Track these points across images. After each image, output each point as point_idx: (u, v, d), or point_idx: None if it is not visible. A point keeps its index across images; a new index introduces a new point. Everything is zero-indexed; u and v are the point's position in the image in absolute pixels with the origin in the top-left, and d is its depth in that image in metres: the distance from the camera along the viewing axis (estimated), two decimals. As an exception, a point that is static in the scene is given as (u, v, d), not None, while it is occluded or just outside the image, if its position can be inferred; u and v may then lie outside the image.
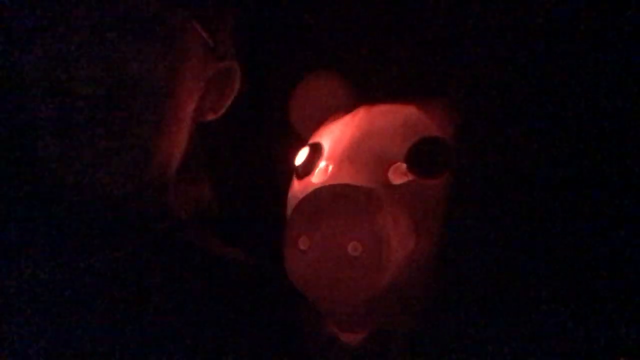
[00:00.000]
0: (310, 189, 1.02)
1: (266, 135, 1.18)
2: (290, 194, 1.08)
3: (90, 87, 0.68)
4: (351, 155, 1.02)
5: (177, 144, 0.78)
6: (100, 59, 0.69)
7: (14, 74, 0.71)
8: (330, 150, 1.05)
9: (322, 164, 1.04)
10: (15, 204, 0.72)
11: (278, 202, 1.08)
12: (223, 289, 0.74)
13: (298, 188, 1.06)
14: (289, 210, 1.07)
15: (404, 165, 0.99)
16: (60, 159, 0.70)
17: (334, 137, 1.06)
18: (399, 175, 0.99)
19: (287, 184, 1.09)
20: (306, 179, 1.05)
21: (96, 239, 0.71)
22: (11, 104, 0.72)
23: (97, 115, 0.69)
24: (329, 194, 1.00)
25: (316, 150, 1.06)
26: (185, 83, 0.75)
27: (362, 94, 1.09)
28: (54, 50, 0.69)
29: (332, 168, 1.03)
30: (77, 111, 0.68)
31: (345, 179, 1.01)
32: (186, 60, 0.75)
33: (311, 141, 1.08)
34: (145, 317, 0.68)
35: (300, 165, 1.06)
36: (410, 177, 0.99)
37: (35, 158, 0.71)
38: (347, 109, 1.08)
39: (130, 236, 0.72)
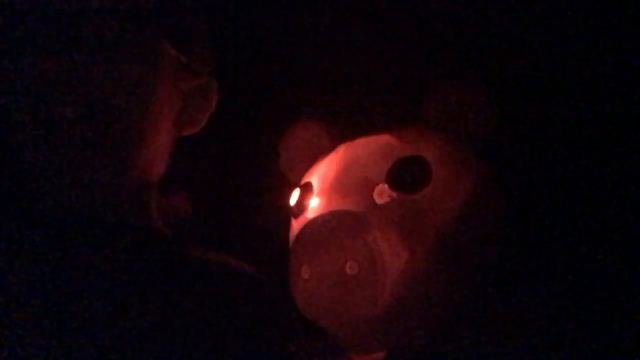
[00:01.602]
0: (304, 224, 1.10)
1: (261, 179, 1.27)
2: (290, 235, 1.16)
3: (69, 109, 0.73)
4: (337, 186, 1.10)
5: (157, 157, 0.81)
6: (75, 82, 0.73)
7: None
8: (319, 186, 1.13)
9: (314, 200, 1.12)
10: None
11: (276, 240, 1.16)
12: (219, 298, 0.78)
13: (295, 226, 1.14)
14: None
15: (386, 185, 1.07)
16: (44, 172, 0.75)
17: (320, 174, 1.14)
18: (382, 195, 1.07)
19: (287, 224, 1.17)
20: (301, 217, 1.13)
21: (78, 248, 0.75)
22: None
23: (77, 131, 0.74)
24: (320, 223, 1.08)
25: (307, 189, 1.14)
26: (160, 99, 0.79)
27: (341, 134, 1.18)
28: (32, 76, 0.73)
29: (323, 201, 1.11)
30: (58, 129, 0.73)
31: (335, 207, 1.08)
32: (159, 78, 0.78)
33: (302, 182, 1.17)
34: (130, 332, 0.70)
35: (294, 206, 1.14)
36: (393, 195, 1.06)
37: (17, 169, 0.76)
38: (329, 149, 1.17)
39: (113, 244, 0.76)
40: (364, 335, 1.07)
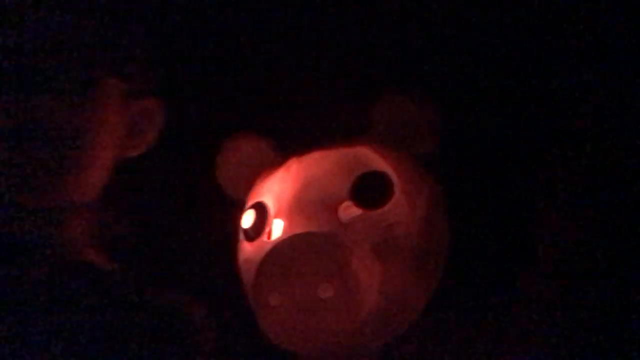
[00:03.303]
0: (266, 248, 1.05)
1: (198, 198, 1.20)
2: (242, 258, 1.10)
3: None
4: (299, 206, 1.06)
5: (94, 178, 0.81)
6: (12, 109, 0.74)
7: None
8: (276, 206, 1.08)
9: (273, 221, 1.07)
10: None
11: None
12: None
13: (251, 250, 1.08)
14: (245, 274, 1.09)
15: (351, 203, 1.05)
16: None
17: (274, 193, 1.09)
18: (348, 213, 1.05)
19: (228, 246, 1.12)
20: (258, 240, 1.08)
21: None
22: None
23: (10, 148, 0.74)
24: (288, 247, 1.03)
25: (261, 210, 1.09)
26: (100, 124, 0.79)
27: (288, 147, 1.13)
28: None
29: (284, 223, 1.06)
30: None
31: (300, 230, 1.04)
32: (100, 105, 0.79)
33: (252, 201, 1.11)
34: None
35: (249, 228, 1.09)
36: (359, 211, 1.04)
37: None
38: (274, 164, 1.13)
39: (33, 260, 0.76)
40: (340, 352, 1.06)
